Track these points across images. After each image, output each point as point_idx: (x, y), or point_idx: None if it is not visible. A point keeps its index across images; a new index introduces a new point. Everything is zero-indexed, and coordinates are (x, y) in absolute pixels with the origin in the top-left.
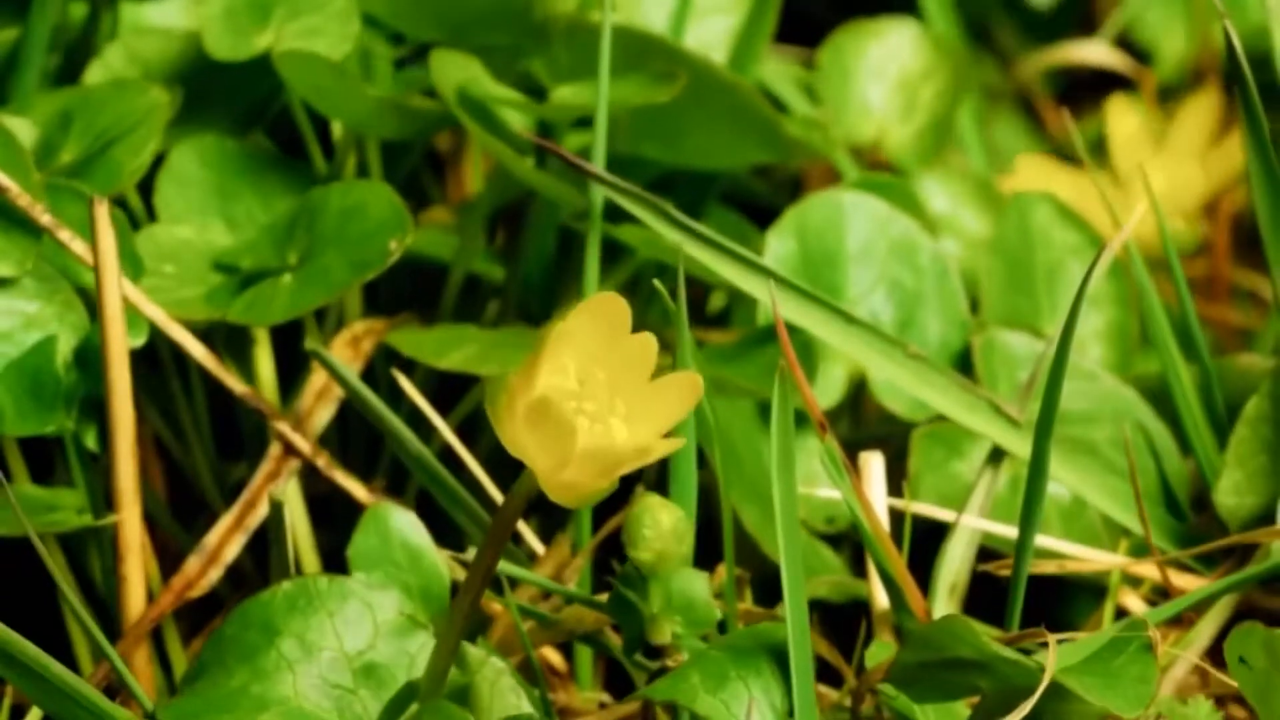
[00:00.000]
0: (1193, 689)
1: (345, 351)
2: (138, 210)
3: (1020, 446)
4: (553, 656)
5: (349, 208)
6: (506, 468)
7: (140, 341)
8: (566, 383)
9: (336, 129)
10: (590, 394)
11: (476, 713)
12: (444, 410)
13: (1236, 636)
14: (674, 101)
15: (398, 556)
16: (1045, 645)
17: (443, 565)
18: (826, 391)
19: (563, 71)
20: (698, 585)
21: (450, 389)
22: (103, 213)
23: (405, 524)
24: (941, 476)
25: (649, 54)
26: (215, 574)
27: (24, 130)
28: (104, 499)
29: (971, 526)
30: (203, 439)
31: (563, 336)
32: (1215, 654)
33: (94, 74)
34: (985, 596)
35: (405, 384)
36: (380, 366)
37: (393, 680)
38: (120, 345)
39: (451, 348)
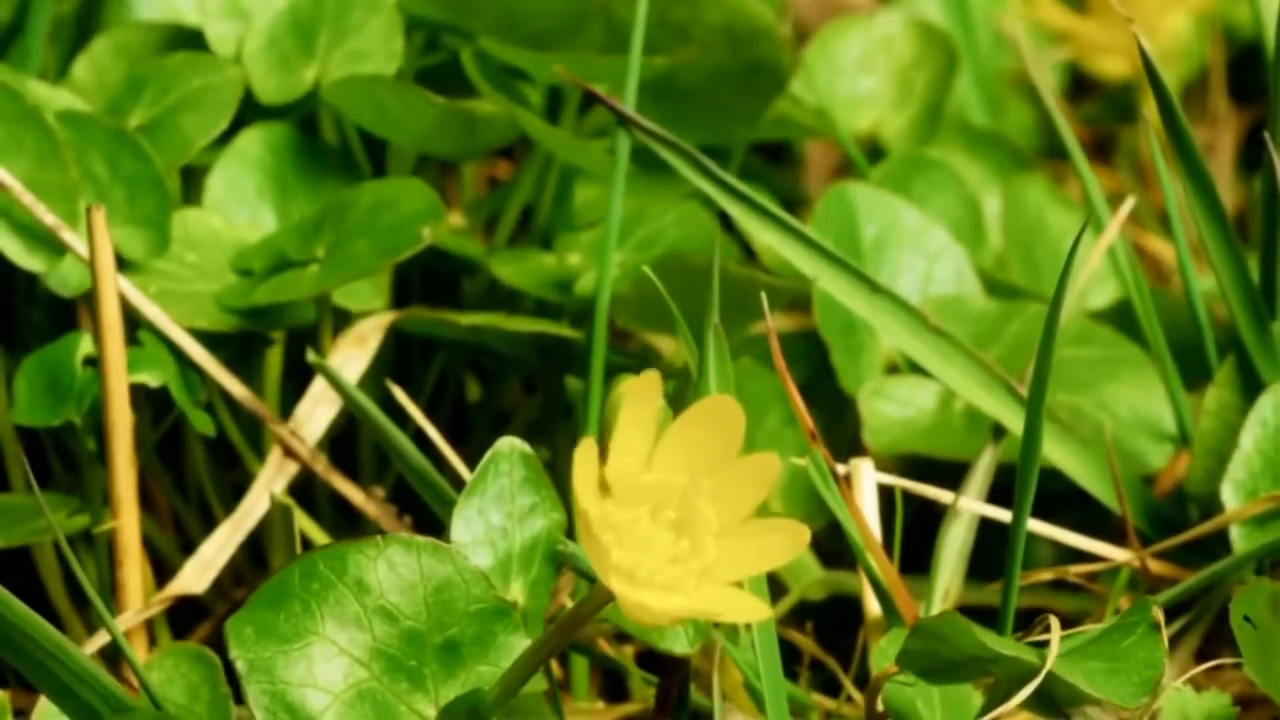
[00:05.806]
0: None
1: (351, 350)
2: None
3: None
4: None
5: (379, 202)
6: None
7: (158, 383)
8: (670, 480)
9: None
10: (687, 506)
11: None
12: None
13: (1242, 596)
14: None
15: (503, 520)
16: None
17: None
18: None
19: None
20: None
21: (453, 408)
22: (100, 220)
23: (513, 483)
24: (898, 428)
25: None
26: (210, 576)
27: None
28: (101, 504)
29: (964, 528)
30: (202, 443)
31: (671, 435)
32: (1201, 655)
33: (81, 68)
34: (981, 582)
35: (401, 395)
36: (381, 381)
37: (471, 661)
38: (118, 352)
39: (472, 315)
